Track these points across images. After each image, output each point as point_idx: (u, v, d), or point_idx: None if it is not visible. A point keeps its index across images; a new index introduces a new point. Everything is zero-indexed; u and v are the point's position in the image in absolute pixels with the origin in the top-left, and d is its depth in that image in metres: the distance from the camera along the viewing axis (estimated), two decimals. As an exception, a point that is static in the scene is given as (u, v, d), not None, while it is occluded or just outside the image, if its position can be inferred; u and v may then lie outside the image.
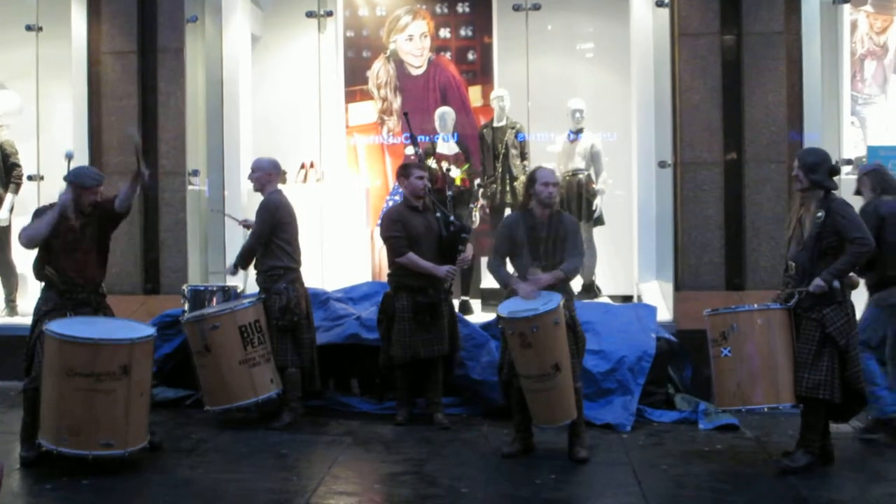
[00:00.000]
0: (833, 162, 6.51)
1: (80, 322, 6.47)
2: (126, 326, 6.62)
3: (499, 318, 6.75)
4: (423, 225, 7.64)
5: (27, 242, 6.69)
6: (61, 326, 6.28)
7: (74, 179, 6.69)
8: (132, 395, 6.25)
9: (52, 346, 6.20)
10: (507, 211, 10.45)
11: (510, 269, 7.02)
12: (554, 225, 6.84)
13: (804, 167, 6.40)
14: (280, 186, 8.03)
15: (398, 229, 7.62)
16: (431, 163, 10.09)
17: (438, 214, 7.67)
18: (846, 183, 9.22)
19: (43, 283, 6.81)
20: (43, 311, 6.66)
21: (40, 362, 6.37)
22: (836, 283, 6.23)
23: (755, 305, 6.70)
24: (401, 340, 7.60)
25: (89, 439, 6.18)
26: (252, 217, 8.05)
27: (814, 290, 6.25)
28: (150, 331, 6.54)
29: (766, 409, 6.72)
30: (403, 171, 7.81)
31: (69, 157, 7.08)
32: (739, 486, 6.13)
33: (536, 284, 6.68)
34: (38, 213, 6.81)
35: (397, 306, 7.63)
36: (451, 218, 7.64)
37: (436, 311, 7.57)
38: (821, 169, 6.38)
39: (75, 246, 6.68)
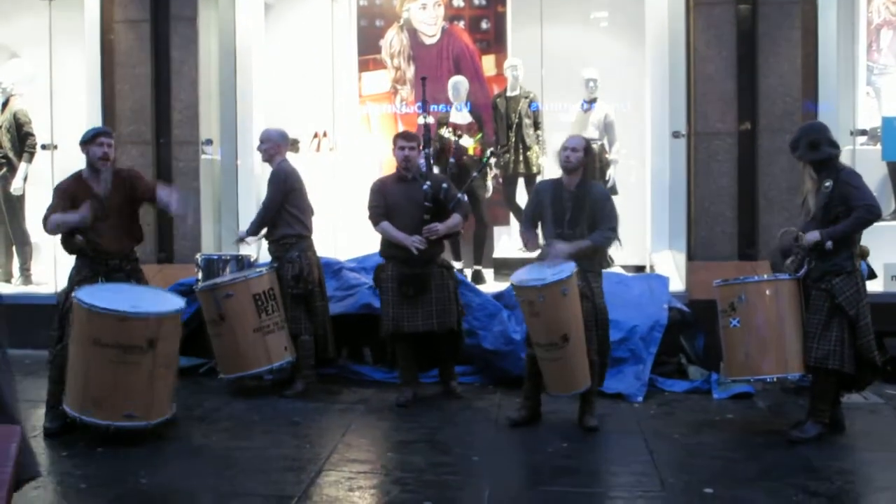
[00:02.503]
0: (816, 134, 6.45)
1: (109, 290, 6.43)
2: (155, 297, 6.56)
3: (511, 285, 6.79)
4: (403, 195, 7.49)
5: (52, 230, 6.64)
6: (89, 295, 6.22)
7: (82, 139, 6.71)
8: (157, 367, 6.21)
9: (80, 315, 6.17)
10: (521, 181, 10.45)
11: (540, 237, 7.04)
12: (580, 193, 6.80)
13: (789, 147, 6.55)
14: (293, 155, 8.03)
15: (376, 199, 7.54)
16: (444, 132, 10.09)
17: (426, 186, 7.46)
18: (861, 153, 9.22)
19: (74, 255, 6.76)
20: (76, 281, 6.62)
21: (70, 333, 6.34)
22: (829, 244, 6.22)
23: (764, 276, 6.71)
24: (385, 312, 7.52)
25: (113, 410, 6.17)
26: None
27: (808, 240, 6.27)
28: (178, 304, 6.47)
29: (774, 379, 6.71)
30: (393, 141, 7.75)
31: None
32: (750, 456, 6.15)
33: (557, 255, 6.68)
34: (59, 189, 6.75)
35: (382, 276, 7.57)
36: (425, 187, 7.39)
37: (421, 283, 7.43)
38: (800, 144, 6.44)
39: (103, 215, 6.64)
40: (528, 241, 7.03)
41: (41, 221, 6.72)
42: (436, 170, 9.43)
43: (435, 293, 7.48)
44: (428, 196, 7.39)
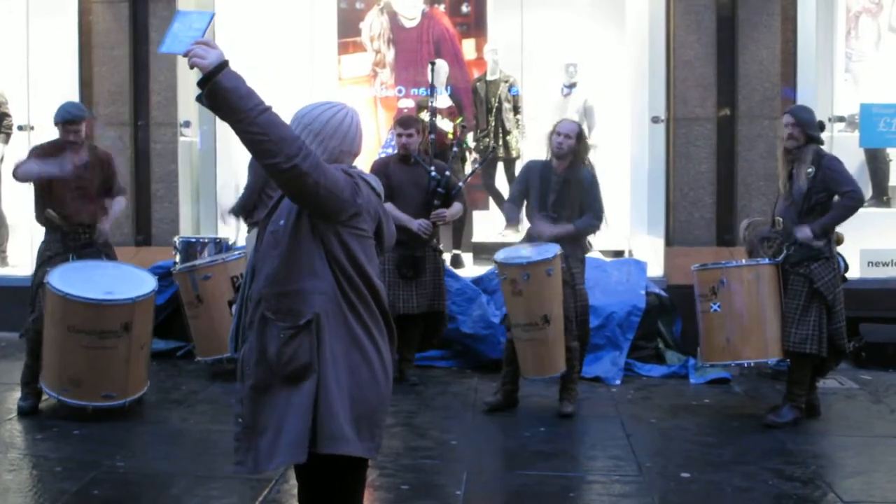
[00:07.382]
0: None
1: (81, 270, 6.40)
2: (127, 277, 6.55)
3: (495, 263, 6.80)
4: (407, 177, 7.46)
5: (22, 176, 6.52)
6: (62, 281, 6.18)
7: (56, 116, 6.60)
8: (133, 348, 6.28)
9: (53, 301, 6.15)
10: (500, 165, 10.45)
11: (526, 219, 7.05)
12: (568, 178, 6.79)
13: (801, 123, 6.42)
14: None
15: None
16: (425, 116, 10.05)
17: (432, 170, 7.50)
18: (839, 140, 9.26)
19: (45, 228, 6.71)
20: (46, 257, 6.57)
21: (42, 307, 6.32)
22: (819, 240, 6.27)
23: (744, 261, 6.73)
24: None
25: (91, 391, 6.21)
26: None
27: (800, 238, 6.29)
28: (151, 285, 6.50)
29: (752, 364, 6.75)
30: (393, 126, 7.73)
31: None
32: (726, 440, 6.18)
33: (540, 234, 6.69)
34: (37, 148, 6.71)
35: (380, 258, 7.54)
36: (433, 173, 7.40)
37: (418, 265, 7.44)
38: (813, 125, 6.44)
39: (77, 186, 6.58)
40: (510, 218, 7.01)
41: (12, 171, 6.59)
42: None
43: (429, 275, 7.51)
44: (441, 182, 7.37)
